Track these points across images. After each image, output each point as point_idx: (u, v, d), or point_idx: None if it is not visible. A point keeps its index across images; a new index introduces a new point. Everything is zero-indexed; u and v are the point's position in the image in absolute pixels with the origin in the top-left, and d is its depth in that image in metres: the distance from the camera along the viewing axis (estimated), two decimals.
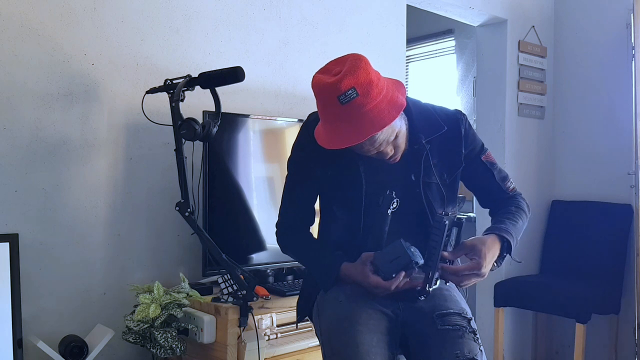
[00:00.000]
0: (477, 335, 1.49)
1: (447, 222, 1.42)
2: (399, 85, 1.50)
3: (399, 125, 1.49)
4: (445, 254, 1.46)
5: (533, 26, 3.70)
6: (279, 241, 1.79)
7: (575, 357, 3.08)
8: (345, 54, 1.48)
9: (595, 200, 3.58)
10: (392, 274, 1.47)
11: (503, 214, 1.64)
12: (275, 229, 1.79)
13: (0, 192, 1.87)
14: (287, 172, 1.75)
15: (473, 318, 1.55)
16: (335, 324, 1.51)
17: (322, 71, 1.45)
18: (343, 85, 1.37)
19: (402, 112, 1.46)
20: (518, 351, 3.70)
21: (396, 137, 1.49)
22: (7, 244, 1.82)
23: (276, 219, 1.80)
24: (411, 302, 1.54)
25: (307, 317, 1.77)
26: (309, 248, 1.72)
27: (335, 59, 1.46)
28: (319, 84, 1.41)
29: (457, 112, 1.67)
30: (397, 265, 1.46)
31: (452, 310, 1.53)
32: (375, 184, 1.59)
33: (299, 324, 1.88)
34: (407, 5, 3.09)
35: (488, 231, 1.57)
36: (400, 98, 1.44)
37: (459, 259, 1.56)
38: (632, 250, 3.24)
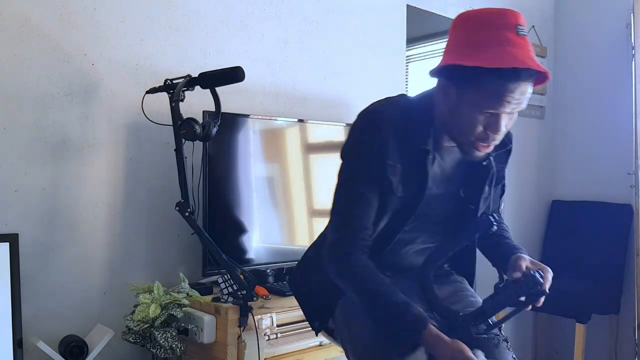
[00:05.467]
0: (509, 344, 1.46)
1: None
2: None
3: None
4: (517, 273, 1.38)
5: (533, 26, 3.70)
6: (335, 264, 1.40)
7: (575, 357, 3.08)
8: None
9: (595, 200, 3.58)
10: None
11: (504, 235, 1.58)
12: (328, 248, 1.42)
13: (0, 192, 1.87)
14: (343, 171, 1.45)
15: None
16: (375, 336, 1.36)
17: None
18: (522, 20, 1.32)
19: None
20: (518, 351, 3.69)
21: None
22: (7, 244, 1.82)
23: (276, 219, 1.77)
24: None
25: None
26: (379, 289, 1.35)
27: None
28: (490, 11, 1.32)
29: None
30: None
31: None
32: (431, 194, 1.44)
33: (301, 323, 1.83)
34: (407, 5, 3.09)
35: (515, 249, 1.49)
36: None
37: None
38: (632, 250, 3.24)
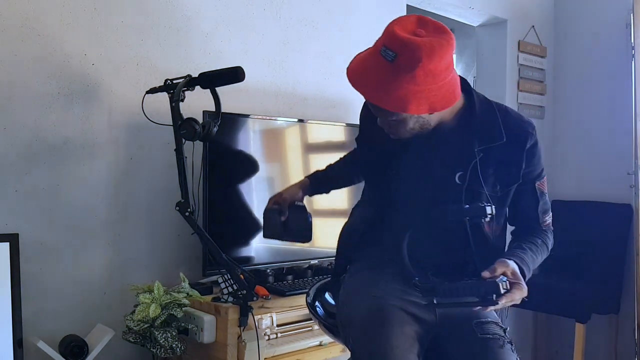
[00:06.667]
0: (514, 346, 1.45)
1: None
2: (452, 96, 1.38)
3: (412, 122, 1.42)
4: (487, 273, 1.34)
5: (533, 26, 3.71)
6: None
7: (575, 357, 3.08)
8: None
9: (595, 200, 3.58)
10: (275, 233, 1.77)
11: (528, 242, 1.53)
12: None
13: (0, 192, 1.87)
14: None
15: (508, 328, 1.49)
16: (366, 319, 1.43)
17: (401, 20, 1.38)
18: (393, 43, 1.31)
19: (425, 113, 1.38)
20: (518, 351, 3.67)
21: (401, 124, 1.43)
22: (7, 244, 1.82)
23: None
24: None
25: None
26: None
27: (424, 18, 1.38)
28: (391, 29, 1.34)
29: (529, 125, 1.53)
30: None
31: (490, 319, 1.47)
32: (411, 176, 1.52)
33: (301, 323, 1.86)
34: (407, 5, 3.09)
35: (510, 255, 1.45)
36: (437, 105, 1.35)
37: None
38: (632, 250, 3.24)
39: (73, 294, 2.01)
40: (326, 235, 1.94)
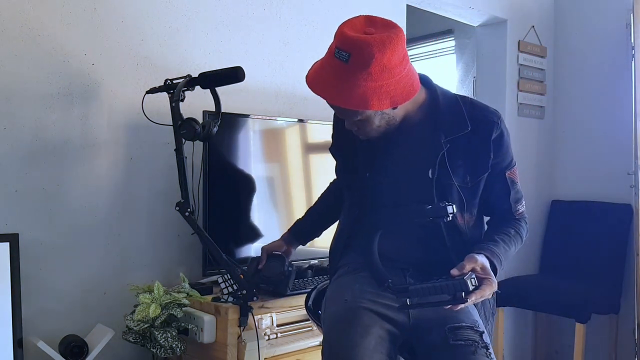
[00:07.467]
0: (490, 350, 1.42)
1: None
2: (412, 88, 1.40)
3: (377, 119, 1.45)
4: (455, 271, 1.35)
5: (533, 26, 3.71)
6: None
7: (575, 357, 3.08)
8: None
9: (595, 200, 3.58)
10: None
11: (500, 234, 1.54)
12: None
13: (0, 192, 1.87)
14: None
15: (485, 331, 1.47)
16: (335, 322, 1.48)
17: (351, 22, 1.40)
18: (345, 44, 1.33)
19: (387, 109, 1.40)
20: (518, 351, 3.69)
21: (367, 123, 1.45)
22: (7, 244, 1.82)
23: (276, 219, 1.80)
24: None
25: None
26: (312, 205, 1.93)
27: (371, 17, 1.40)
28: (341, 31, 1.36)
29: (494, 114, 1.53)
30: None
31: (464, 324, 1.44)
32: (383, 175, 1.54)
33: (301, 323, 1.90)
34: (407, 5, 3.09)
35: (480, 249, 1.45)
36: (398, 98, 1.37)
37: None
38: (632, 250, 3.24)
39: (73, 294, 2.01)
40: (326, 235, 1.94)
